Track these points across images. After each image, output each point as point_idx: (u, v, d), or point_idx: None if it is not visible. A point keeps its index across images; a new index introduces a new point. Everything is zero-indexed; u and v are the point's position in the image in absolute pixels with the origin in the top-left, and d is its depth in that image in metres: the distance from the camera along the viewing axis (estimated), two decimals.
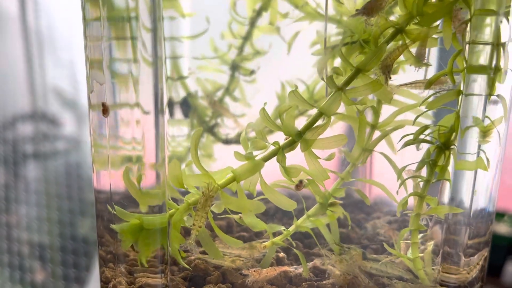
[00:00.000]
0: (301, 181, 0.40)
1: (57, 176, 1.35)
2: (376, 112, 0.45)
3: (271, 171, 0.43)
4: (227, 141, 0.58)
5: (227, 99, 0.59)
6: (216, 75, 0.58)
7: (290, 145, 0.41)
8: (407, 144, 0.40)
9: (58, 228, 1.24)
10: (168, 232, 0.40)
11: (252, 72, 0.57)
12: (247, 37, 0.56)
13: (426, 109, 0.40)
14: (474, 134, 0.38)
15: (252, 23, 0.56)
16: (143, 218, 0.39)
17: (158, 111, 0.39)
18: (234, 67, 0.57)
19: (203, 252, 0.45)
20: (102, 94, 0.40)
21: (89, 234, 1.26)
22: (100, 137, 0.43)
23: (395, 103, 0.45)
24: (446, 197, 0.41)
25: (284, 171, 0.40)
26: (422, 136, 0.41)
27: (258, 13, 0.55)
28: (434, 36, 0.40)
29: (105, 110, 0.39)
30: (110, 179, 0.43)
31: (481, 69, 0.37)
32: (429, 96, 0.40)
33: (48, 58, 1.57)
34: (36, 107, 1.50)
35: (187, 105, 0.58)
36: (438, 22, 0.39)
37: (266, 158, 0.40)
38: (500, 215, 1.29)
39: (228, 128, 0.59)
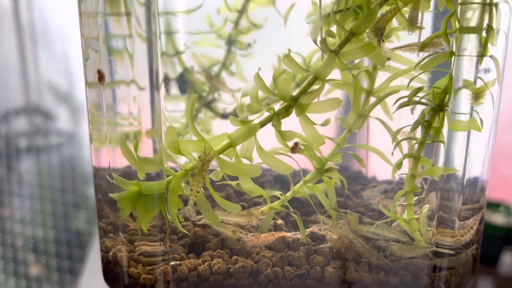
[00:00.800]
0: (296, 143, 0.41)
1: (50, 169, 1.35)
2: (371, 77, 0.45)
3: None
4: (224, 116, 0.58)
5: (224, 74, 0.59)
6: (213, 50, 0.58)
7: (286, 110, 0.41)
8: (402, 105, 0.41)
9: (52, 220, 1.23)
10: (166, 198, 0.40)
11: (248, 46, 0.57)
12: (242, 11, 0.56)
13: (420, 72, 0.41)
14: (465, 96, 0.39)
15: None
16: (141, 184, 0.39)
17: (154, 87, 0.39)
18: (230, 41, 0.57)
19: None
20: (97, 62, 0.40)
21: (83, 225, 1.26)
22: (97, 114, 0.43)
23: (390, 68, 0.46)
24: (441, 161, 0.42)
25: (280, 135, 0.41)
26: (418, 99, 0.42)
27: None
28: None
29: (100, 78, 0.39)
30: (108, 155, 0.43)
31: (473, 29, 0.37)
32: (422, 59, 0.40)
33: (42, 52, 1.57)
34: (30, 100, 1.50)
35: (184, 81, 0.58)
36: None
37: (262, 123, 0.40)
38: (495, 206, 1.31)
39: (225, 103, 0.59)
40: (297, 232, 0.44)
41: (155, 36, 0.38)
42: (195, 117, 0.58)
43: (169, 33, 0.55)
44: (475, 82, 0.38)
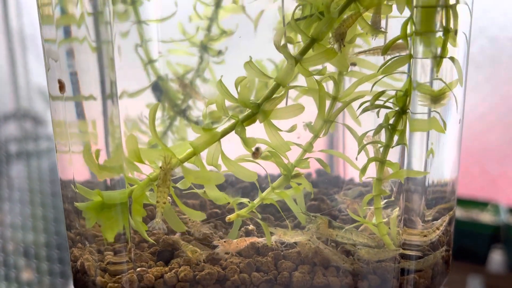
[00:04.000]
0: (257, 149, 0.41)
1: (40, 173, 1.35)
2: (337, 83, 0.45)
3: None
4: (198, 123, 0.58)
5: (198, 82, 0.59)
6: (186, 58, 0.58)
7: (249, 118, 0.41)
8: (364, 110, 0.41)
9: (43, 224, 1.23)
10: (129, 208, 0.41)
11: (219, 53, 0.57)
12: (213, 18, 0.56)
13: (382, 76, 0.40)
14: (418, 98, 0.39)
15: (217, 3, 0.56)
16: (103, 193, 0.39)
17: (106, 96, 0.39)
18: (203, 48, 0.57)
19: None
20: (57, 72, 0.40)
21: None
22: (59, 124, 0.43)
23: (356, 73, 0.46)
24: (406, 163, 0.42)
25: (243, 142, 0.41)
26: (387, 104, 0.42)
27: None
28: (389, 3, 0.41)
29: (61, 87, 0.39)
30: (72, 166, 0.42)
31: (427, 32, 0.37)
32: (384, 63, 0.40)
33: (31, 57, 1.57)
34: (19, 105, 1.50)
35: (159, 89, 0.58)
36: None
37: (224, 130, 0.40)
38: (483, 204, 1.32)
39: (200, 110, 0.59)
40: None
41: (108, 45, 0.38)
42: (170, 125, 0.58)
43: (143, 42, 0.55)
44: (431, 84, 0.38)
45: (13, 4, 1.56)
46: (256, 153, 0.41)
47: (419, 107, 0.39)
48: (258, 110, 0.40)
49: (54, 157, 1.41)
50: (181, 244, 0.42)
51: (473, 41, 1.23)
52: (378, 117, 0.42)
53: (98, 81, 0.37)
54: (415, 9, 0.37)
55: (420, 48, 0.37)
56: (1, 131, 1.41)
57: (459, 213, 1.29)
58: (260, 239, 0.45)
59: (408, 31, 0.39)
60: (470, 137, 1.30)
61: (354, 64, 0.45)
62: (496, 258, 1.25)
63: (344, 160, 0.45)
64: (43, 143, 1.44)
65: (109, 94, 0.37)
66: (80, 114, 0.40)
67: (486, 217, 1.27)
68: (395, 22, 0.41)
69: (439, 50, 0.38)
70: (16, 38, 1.56)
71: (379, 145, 0.42)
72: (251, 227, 0.47)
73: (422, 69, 0.38)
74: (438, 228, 0.42)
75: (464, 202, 1.34)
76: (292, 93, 0.47)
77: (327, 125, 0.44)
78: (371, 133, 0.43)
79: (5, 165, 1.34)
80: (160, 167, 0.39)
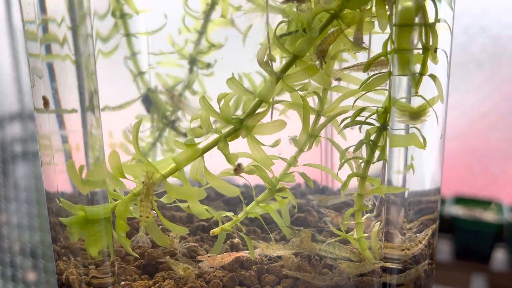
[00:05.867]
0: (239, 165, 0.41)
1: None
2: (321, 98, 0.45)
3: None
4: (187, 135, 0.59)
5: (187, 93, 0.59)
6: (176, 70, 0.58)
7: (232, 133, 0.41)
8: (346, 126, 0.41)
9: (49, 224, 1.25)
10: (113, 222, 0.41)
11: (208, 65, 0.57)
12: (202, 31, 0.56)
13: (363, 92, 0.40)
14: (396, 114, 0.39)
15: (206, 17, 0.56)
16: (86, 208, 0.40)
17: (85, 109, 0.39)
18: (192, 61, 0.57)
19: None
20: (42, 88, 0.40)
21: None
22: (43, 137, 0.44)
23: (340, 88, 0.46)
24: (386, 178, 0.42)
25: (226, 158, 0.41)
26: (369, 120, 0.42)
27: (211, 7, 0.56)
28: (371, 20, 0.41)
29: (45, 103, 0.40)
30: (56, 179, 0.43)
31: (405, 50, 0.37)
32: (366, 79, 0.40)
33: None
34: (24, 106, 1.51)
35: (149, 101, 0.58)
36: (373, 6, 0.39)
37: (207, 146, 0.41)
38: (486, 203, 1.31)
39: (188, 121, 0.59)
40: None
41: (88, 58, 0.38)
42: (159, 136, 0.58)
43: (133, 54, 0.56)
44: (409, 101, 0.38)
45: (16, 4, 1.57)
46: (238, 169, 0.41)
47: (401, 124, 0.39)
48: (241, 126, 0.41)
49: None
50: (171, 263, 0.43)
51: (475, 39, 1.22)
52: (360, 132, 0.42)
53: (77, 93, 0.37)
54: (394, 27, 0.37)
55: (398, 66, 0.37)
56: (7, 132, 1.43)
57: (462, 212, 1.29)
58: (245, 253, 0.45)
59: (389, 48, 0.39)
60: (472, 135, 1.30)
61: (339, 79, 0.45)
62: (499, 256, 1.25)
63: (329, 174, 0.45)
64: None
65: (88, 106, 0.38)
66: (62, 127, 0.40)
67: (489, 215, 1.26)
68: (378, 38, 0.41)
69: (418, 68, 0.38)
70: (19, 38, 1.57)
71: (361, 160, 0.42)
72: (236, 240, 0.47)
73: (401, 86, 0.38)
74: (420, 242, 0.43)
75: (467, 201, 1.33)
76: (280, 105, 0.47)
77: (311, 139, 0.45)
78: (350, 149, 0.43)
79: (11, 165, 1.35)
80: (143, 182, 0.40)
